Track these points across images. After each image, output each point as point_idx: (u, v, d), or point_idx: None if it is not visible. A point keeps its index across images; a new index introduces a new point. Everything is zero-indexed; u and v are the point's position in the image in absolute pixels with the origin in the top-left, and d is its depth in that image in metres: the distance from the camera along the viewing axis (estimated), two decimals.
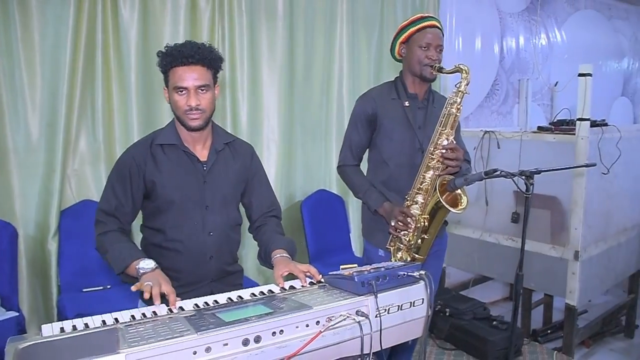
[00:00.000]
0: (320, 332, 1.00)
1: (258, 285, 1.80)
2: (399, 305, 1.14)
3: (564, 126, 2.98)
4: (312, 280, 1.32)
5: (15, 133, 2.26)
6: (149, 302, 1.19)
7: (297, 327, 1.00)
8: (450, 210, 1.71)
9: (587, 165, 2.04)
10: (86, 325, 1.01)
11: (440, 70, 1.81)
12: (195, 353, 0.89)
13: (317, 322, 1.02)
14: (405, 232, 1.79)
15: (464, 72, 1.76)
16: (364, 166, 2.04)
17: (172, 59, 1.39)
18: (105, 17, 2.40)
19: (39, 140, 2.31)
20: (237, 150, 1.59)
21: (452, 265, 3.59)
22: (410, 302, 1.16)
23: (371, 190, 1.90)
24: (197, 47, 1.40)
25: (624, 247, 3.32)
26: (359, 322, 1.04)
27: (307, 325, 1.01)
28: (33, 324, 2.32)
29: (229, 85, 2.78)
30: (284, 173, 3.00)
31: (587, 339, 3.40)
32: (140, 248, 1.47)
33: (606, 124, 2.94)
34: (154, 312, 1.10)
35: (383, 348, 1.08)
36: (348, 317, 1.04)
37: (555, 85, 4.34)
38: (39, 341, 0.89)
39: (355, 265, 1.29)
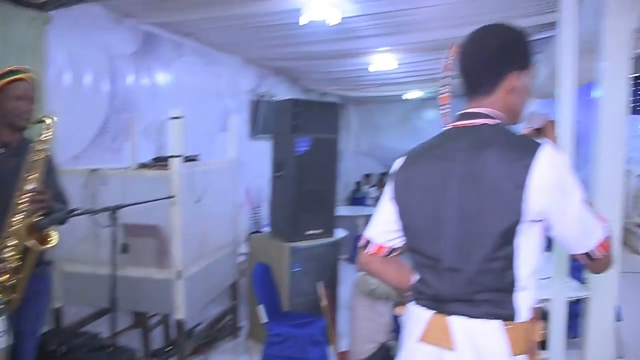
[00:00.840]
0: None
1: None
2: None
3: (161, 162, 3.69)
4: None
5: None
6: None
7: None
8: (40, 249, 2.10)
9: (167, 198, 2.73)
10: None
11: (29, 120, 2.19)
12: None
13: None
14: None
15: (46, 122, 2.18)
16: None
17: None
18: None
19: None
20: None
21: (70, 303, 3.85)
22: None
23: None
24: None
25: (221, 263, 4.29)
26: None
27: None
28: None
29: None
30: None
31: (203, 346, 4.21)
32: None
33: (195, 159, 3.80)
34: None
35: None
36: None
37: (163, 123, 5.14)
38: None
39: None
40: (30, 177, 2.13)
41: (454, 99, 1.57)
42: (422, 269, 1.46)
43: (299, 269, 4.15)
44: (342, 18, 4.52)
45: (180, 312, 3.58)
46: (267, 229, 4.98)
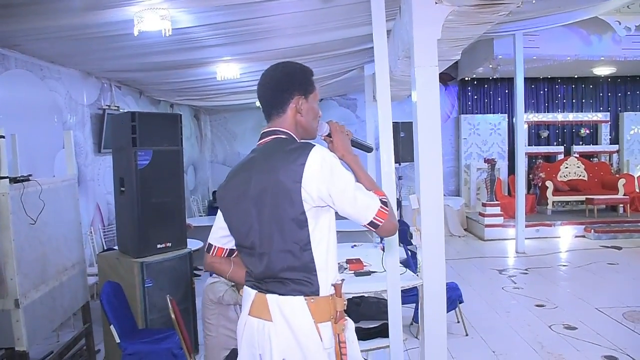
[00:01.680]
0: None
1: None
2: None
3: None
4: None
5: None
6: None
7: None
8: None
9: None
10: None
11: None
12: None
13: None
14: None
15: None
16: None
17: None
18: None
19: None
20: None
21: None
22: None
23: None
24: None
25: (67, 285, 4.08)
26: None
27: None
28: None
29: None
30: None
31: None
32: None
33: (28, 179, 3.58)
34: None
35: None
36: None
37: None
38: None
39: None
40: None
41: None
42: (246, 258, 1.80)
43: (150, 284, 4.09)
44: (182, 28, 4.54)
45: (21, 344, 3.36)
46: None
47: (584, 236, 9.72)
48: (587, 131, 12.12)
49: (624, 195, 10.55)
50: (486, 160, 10.37)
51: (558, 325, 5.04)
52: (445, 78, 11.90)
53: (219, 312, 3.45)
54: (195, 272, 6.37)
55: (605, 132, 12.07)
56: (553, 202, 10.91)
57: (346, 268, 3.99)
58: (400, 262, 4.21)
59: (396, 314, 3.39)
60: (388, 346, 3.48)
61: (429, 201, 3.26)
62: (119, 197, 4.40)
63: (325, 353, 1.67)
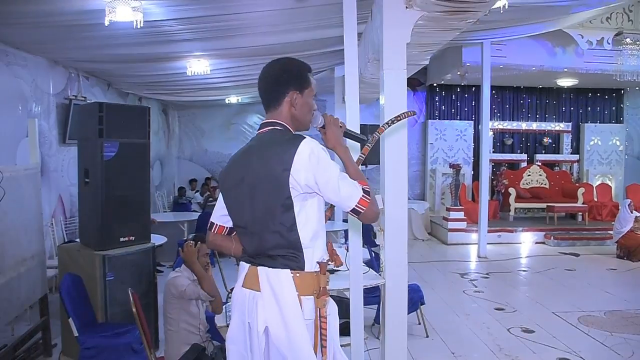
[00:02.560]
0: None
1: None
2: None
3: None
4: None
5: None
6: None
7: None
8: None
9: None
10: None
11: None
12: None
13: None
14: None
15: None
16: None
17: None
18: None
19: None
20: None
21: None
22: None
23: None
24: None
25: (25, 277, 4.00)
26: None
27: None
28: None
29: None
30: None
31: None
32: None
33: None
34: None
35: None
36: None
37: None
38: None
39: None
40: None
41: None
42: (241, 236, 1.99)
43: (111, 277, 4.03)
44: (154, 21, 4.50)
45: None
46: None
47: (544, 243, 9.99)
48: (550, 140, 12.46)
49: (582, 203, 10.90)
50: (451, 166, 10.56)
51: (516, 329, 5.16)
52: (414, 83, 12.06)
53: (181, 307, 3.42)
54: (158, 267, 6.32)
55: (566, 142, 12.45)
56: (515, 208, 11.18)
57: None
58: (366, 263, 4.27)
59: (358, 312, 3.44)
60: (349, 344, 3.51)
61: (393, 202, 3.32)
62: (82, 189, 4.32)
63: (304, 323, 1.81)
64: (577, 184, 11.65)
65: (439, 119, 12.26)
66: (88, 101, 7.05)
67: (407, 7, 3.22)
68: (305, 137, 1.84)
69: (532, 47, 9.43)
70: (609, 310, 5.75)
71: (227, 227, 2.08)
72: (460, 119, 12.26)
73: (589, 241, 9.87)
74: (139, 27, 3.99)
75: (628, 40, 8.68)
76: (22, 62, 5.88)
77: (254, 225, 1.88)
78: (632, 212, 8.75)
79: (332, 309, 1.93)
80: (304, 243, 1.83)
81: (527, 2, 5.56)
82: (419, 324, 5.10)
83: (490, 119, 9.93)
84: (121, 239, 4.21)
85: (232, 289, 2.13)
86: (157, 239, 5.80)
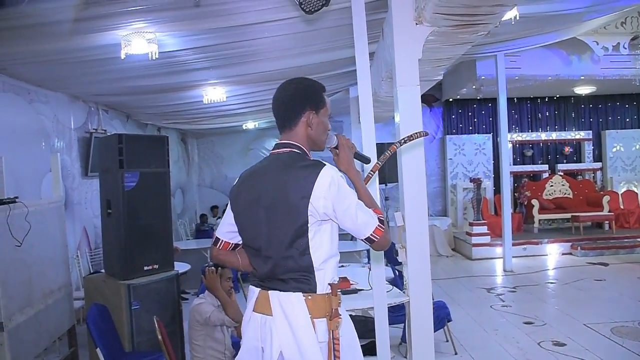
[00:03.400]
0: None
1: None
2: None
3: None
4: None
5: None
6: None
7: None
8: None
9: None
10: None
11: None
12: None
13: None
14: None
15: None
16: None
17: None
18: None
19: None
20: None
21: None
22: None
23: None
24: None
25: (53, 308, 4.06)
26: None
27: None
28: None
29: None
30: None
31: None
32: None
33: (15, 201, 3.59)
34: None
35: None
36: None
37: None
38: None
39: None
40: None
41: None
42: (252, 258, 1.96)
43: (137, 306, 4.07)
44: (168, 52, 4.60)
45: None
46: None
47: (570, 253, 9.80)
48: (571, 149, 12.31)
49: (608, 212, 10.69)
50: (472, 180, 10.48)
51: (547, 342, 5.06)
52: (430, 99, 12.07)
53: (206, 333, 3.43)
54: (183, 295, 6.36)
55: (588, 150, 12.27)
56: (539, 220, 11.01)
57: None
58: (389, 282, 4.24)
59: (383, 331, 3.41)
60: None
61: (413, 218, 3.31)
62: (105, 219, 4.39)
63: (318, 346, 1.80)
64: (601, 192, 11.44)
65: (457, 133, 12.21)
66: (108, 134, 7.20)
67: (417, 24, 3.25)
68: (325, 164, 1.84)
69: (547, 57, 9.39)
70: None
71: (232, 244, 2.06)
72: (478, 133, 12.19)
73: (617, 250, 9.64)
74: (154, 58, 4.08)
75: None
76: (43, 98, 6.05)
77: (269, 250, 1.87)
78: None
79: (346, 329, 1.92)
80: (316, 266, 1.82)
81: (538, 12, 5.55)
82: (447, 341, 5.03)
83: (509, 131, 9.87)
84: (145, 268, 4.26)
85: None
86: (181, 267, 5.85)
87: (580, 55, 9.48)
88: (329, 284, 1.85)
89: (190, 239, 10.52)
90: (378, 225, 1.82)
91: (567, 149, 12.28)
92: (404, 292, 3.61)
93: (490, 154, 11.96)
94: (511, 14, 4.63)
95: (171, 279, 4.45)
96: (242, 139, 12.04)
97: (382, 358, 3.44)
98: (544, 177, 11.93)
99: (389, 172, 7.12)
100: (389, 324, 4.21)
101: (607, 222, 10.77)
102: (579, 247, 9.69)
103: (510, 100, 9.73)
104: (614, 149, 12.16)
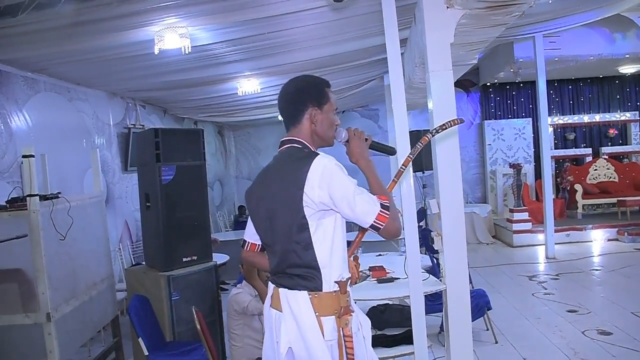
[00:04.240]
0: None
1: None
2: None
3: (18, 203, 3.55)
4: None
5: None
6: None
7: None
8: None
9: (18, 237, 2.66)
10: None
11: None
12: None
13: None
14: None
15: None
16: None
17: None
18: None
19: None
20: None
21: None
22: None
23: None
24: None
25: (97, 300, 4.19)
26: None
27: None
28: None
29: None
30: None
31: None
32: None
33: (57, 197, 3.70)
34: None
35: None
36: None
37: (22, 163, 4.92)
38: None
39: None
40: None
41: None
42: (268, 254, 2.02)
43: (177, 297, 4.15)
44: (201, 45, 4.65)
45: (53, 357, 3.45)
46: None
47: (617, 239, 9.49)
48: (615, 132, 11.88)
49: None
50: (511, 166, 10.25)
51: (591, 331, 4.92)
52: (467, 84, 11.85)
53: (244, 323, 3.49)
54: (222, 286, 6.46)
55: (635, 131, 11.81)
56: (583, 205, 10.70)
57: (369, 275, 4.00)
58: (427, 270, 4.21)
59: (420, 319, 3.38)
60: (413, 353, 3.46)
61: (449, 205, 3.27)
62: (144, 213, 4.49)
63: (325, 345, 1.80)
64: None
65: (495, 119, 11.95)
66: (146, 128, 7.35)
67: (447, 7, 3.18)
68: (319, 154, 1.84)
69: (589, 36, 9.05)
70: None
71: (258, 245, 2.10)
72: (517, 117, 11.89)
73: None
74: (187, 52, 4.13)
75: None
76: (83, 96, 6.22)
77: (275, 245, 1.91)
78: None
79: (360, 325, 1.91)
80: (320, 262, 1.82)
81: None
82: (487, 329, 4.96)
83: (549, 115, 9.59)
84: (184, 259, 4.33)
85: None
86: (220, 258, 5.94)
87: (625, 32, 9.10)
88: (336, 281, 1.84)
89: (229, 230, 10.67)
90: (380, 211, 1.78)
91: (612, 131, 11.85)
92: (440, 281, 3.57)
93: (531, 138, 11.65)
94: None
95: (210, 269, 4.52)
96: (277, 130, 12.08)
97: (419, 347, 3.42)
98: (587, 161, 11.56)
99: (425, 159, 7.04)
100: (428, 313, 4.18)
101: None
102: (625, 233, 9.36)
103: (550, 82, 9.46)
104: None
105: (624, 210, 10.13)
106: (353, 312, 1.87)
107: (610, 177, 11.19)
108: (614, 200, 10.51)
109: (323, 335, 1.80)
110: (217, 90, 7.02)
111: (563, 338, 4.83)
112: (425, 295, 3.45)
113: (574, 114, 11.91)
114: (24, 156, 3.47)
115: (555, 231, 8.76)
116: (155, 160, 4.15)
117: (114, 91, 6.79)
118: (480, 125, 12.04)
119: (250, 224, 2.09)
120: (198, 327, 3.24)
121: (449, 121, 2.20)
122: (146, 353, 3.69)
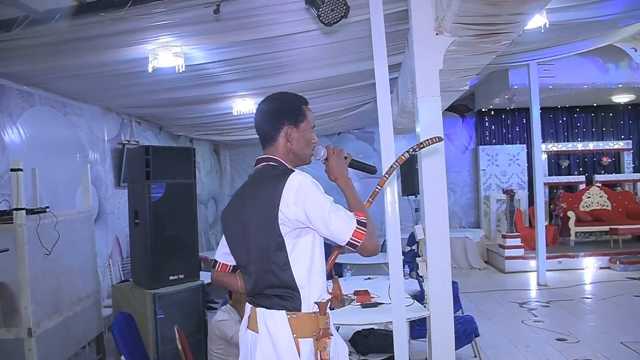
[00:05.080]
0: None
1: None
2: None
3: (4, 216, 3.54)
4: None
5: None
6: None
7: None
8: None
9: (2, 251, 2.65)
10: None
11: None
12: None
13: None
14: None
15: None
16: None
17: None
18: None
19: None
20: None
21: None
22: None
23: None
24: None
25: (81, 316, 4.15)
26: None
27: None
28: None
29: None
30: None
31: None
32: None
33: (45, 211, 3.69)
34: None
35: None
36: None
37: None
38: None
39: None
40: None
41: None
42: (243, 275, 1.96)
43: (162, 315, 4.12)
44: (196, 65, 4.69)
45: None
46: None
47: (609, 267, 9.46)
48: (609, 160, 11.94)
49: None
50: (505, 191, 10.27)
51: None
52: (463, 110, 11.93)
53: (225, 347, 3.45)
54: (211, 305, 6.41)
55: (627, 160, 11.87)
56: (576, 232, 10.69)
57: (353, 300, 3.98)
58: (415, 295, 4.18)
59: (402, 346, 3.35)
60: None
61: (434, 230, 3.27)
62: (133, 229, 4.48)
63: None
64: None
65: (490, 144, 12.00)
66: (141, 145, 7.36)
67: (437, 34, 3.23)
68: (294, 171, 1.81)
69: (582, 65, 9.16)
70: None
71: (230, 265, 2.05)
72: (512, 144, 11.95)
73: None
74: (181, 71, 4.17)
75: None
76: (78, 111, 6.24)
77: (251, 265, 1.86)
78: None
79: (337, 352, 1.85)
80: (299, 283, 1.78)
81: (570, 20, 5.43)
82: (475, 357, 4.91)
83: (544, 141, 9.64)
84: (171, 278, 4.31)
85: None
86: (209, 277, 5.89)
87: (618, 62, 9.21)
88: (316, 302, 1.80)
89: None
90: (357, 227, 1.74)
91: (605, 159, 11.91)
92: (424, 307, 3.56)
93: (525, 164, 11.68)
94: (539, 22, 4.53)
95: (196, 289, 4.49)
96: None
97: None
98: (580, 188, 11.59)
99: (419, 183, 7.05)
100: (416, 338, 4.16)
101: None
102: (617, 261, 9.34)
103: (544, 110, 9.52)
104: None
105: (617, 239, 10.13)
106: (332, 335, 1.81)
107: (603, 205, 11.21)
108: (607, 228, 10.50)
109: (299, 358, 1.74)
110: (212, 109, 7.06)
111: None
112: (413, 320, 3.43)
113: (568, 142, 11.98)
114: (12, 170, 3.48)
115: (547, 258, 8.74)
116: (145, 178, 4.16)
117: (110, 107, 6.82)
118: (475, 151, 12.08)
119: (222, 244, 2.04)
120: (179, 346, 3.20)
121: (427, 139, 2.14)
122: None
